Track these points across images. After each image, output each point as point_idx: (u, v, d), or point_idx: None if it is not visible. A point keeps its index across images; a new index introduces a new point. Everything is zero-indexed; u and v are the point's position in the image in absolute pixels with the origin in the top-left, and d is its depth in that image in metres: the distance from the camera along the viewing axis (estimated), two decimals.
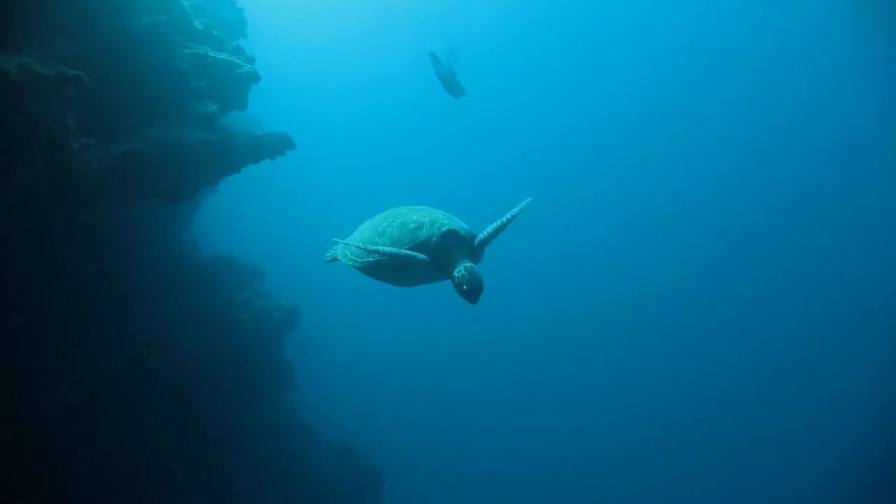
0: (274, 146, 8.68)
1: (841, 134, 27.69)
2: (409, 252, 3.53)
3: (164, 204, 8.24)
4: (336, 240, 3.96)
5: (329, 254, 4.43)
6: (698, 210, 31.26)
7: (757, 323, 28.54)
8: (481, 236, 3.73)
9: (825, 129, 28.51)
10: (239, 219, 21.07)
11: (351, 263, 3.94)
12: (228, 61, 8.31)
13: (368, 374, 23.04)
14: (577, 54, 32.77)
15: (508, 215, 3.73)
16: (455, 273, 3.45)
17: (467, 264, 3.47)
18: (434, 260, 3.56)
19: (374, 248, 3.61)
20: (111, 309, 8.60)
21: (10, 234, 6.13)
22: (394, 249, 3.56)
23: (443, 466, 21.35)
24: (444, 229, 3.62)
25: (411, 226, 3.69)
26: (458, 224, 3.80)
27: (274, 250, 19.32)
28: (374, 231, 3.85)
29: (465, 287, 3.35)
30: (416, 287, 4.02)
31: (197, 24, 8.30)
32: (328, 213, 29.29)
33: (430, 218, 3.75)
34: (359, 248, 3.72)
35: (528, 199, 3.84)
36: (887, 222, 25.28)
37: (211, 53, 8.13)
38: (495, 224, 3.74)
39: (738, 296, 29.68)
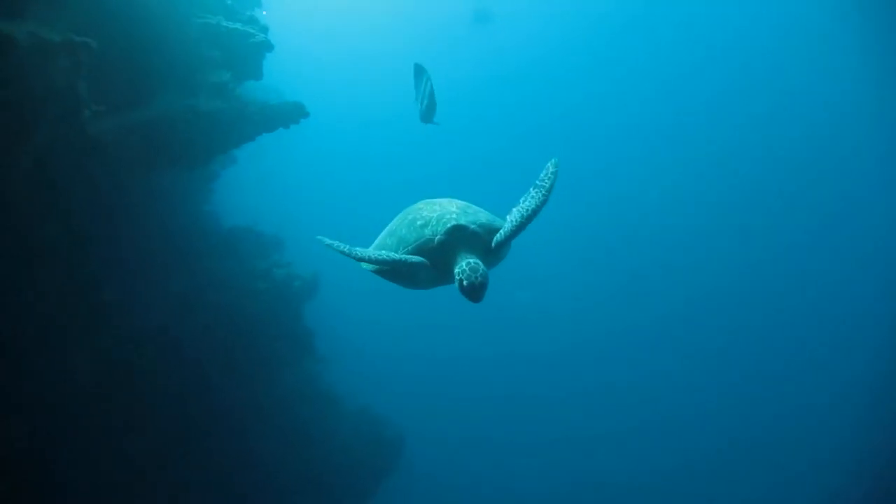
0: (287, 115, 8.78)
1: (842, 134, 26.72)
2: (402, 256, 3.16)
3: (180, 171, 8.39)
4: (321, 238, 3.41)
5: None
6: (702, 211, 30.57)
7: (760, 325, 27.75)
8: (498, 237, 3.25)
9: (826, 129, 27.57)
10: (261, 189, 21.25)
11: (366, 266, 3.60)
12: (242, 31, 8.37)
13: (390, 345, 23.31)
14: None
15: (532, 202, 3.22)
16: (455, 269, 3.09)
17: (470, 260, 3.09)
18: (433, 260, 3.20)
19: (353, 252, 3.24)
20: (129, 276, 8.83)
21: (29, 199, 6.31)
22: (382, 254, 3.21)
23: (461, 439, 21.61)
24: (449, 225, 3.22)
25: (419, 223, 3.34)
26: (473, 218, 3.34)
27: (296, 220, 19.46)
28: (389, 231, 3.54)
29: (464, 283, 3.00)
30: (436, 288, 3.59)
31: None
32: (354, 183, 29.55)
33: (439, 213, 3.35)
34: (333, 248, 3.29)
35: (554, 162, 3.35)
36: (886, 222, 24.44)
37: (224, 23, 8.20)
38: (515, 218, 3.22)
39: (740, 296, 28.89)
